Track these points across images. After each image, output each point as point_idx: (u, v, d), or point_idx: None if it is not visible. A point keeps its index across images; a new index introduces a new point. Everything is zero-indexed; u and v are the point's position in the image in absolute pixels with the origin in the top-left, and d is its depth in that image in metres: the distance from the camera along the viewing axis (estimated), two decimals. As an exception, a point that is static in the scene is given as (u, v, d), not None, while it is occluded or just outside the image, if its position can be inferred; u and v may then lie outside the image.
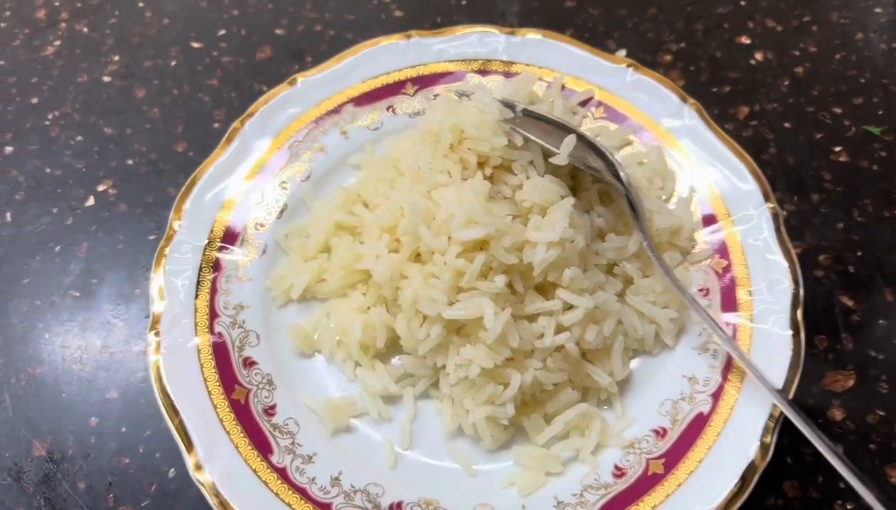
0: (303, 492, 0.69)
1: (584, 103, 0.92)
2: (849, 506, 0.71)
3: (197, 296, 0.78)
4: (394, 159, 0.84)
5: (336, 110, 0.92)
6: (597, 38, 1.07)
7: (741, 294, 0.78)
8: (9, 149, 0.99)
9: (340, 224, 0.83)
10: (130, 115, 1.02)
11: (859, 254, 0.86)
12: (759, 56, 1.05)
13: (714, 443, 0.70)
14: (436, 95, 0.93)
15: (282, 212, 0.86)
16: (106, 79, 1.06)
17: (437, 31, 0.96)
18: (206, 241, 0.82)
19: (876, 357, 0.80)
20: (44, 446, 0.76)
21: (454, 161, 0.77)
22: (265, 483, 0.69)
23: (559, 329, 0.72)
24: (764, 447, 0.68)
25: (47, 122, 1.02)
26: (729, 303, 0.78)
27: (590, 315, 0.73)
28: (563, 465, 0.72)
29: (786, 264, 0.78)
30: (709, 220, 0.83)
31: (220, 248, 0.82)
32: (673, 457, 0.70)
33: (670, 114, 0.89)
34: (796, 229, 0.88)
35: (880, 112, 0.98)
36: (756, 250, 0.79)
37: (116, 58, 1.08)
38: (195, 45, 1.09)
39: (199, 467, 0.68)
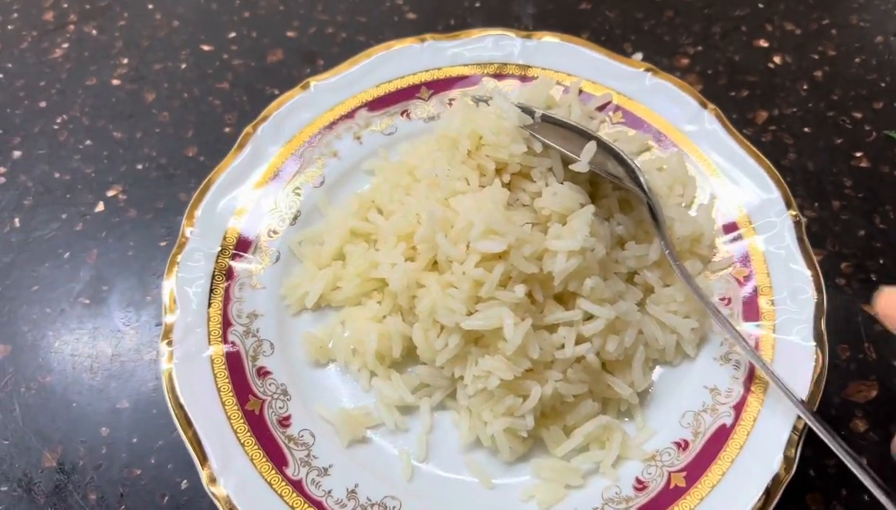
0: (319, 506, 0.69)
1: (601, 108, 0.91)
2: None
3: (210, 304, 0.78)
4: (409, 165, 0.83)
5: (350, 115, 0.91)
6: (613, 40, 1.07)
7: (763, 303, 0.77)
8: (17, 153, 0.99)
9: (355, 231, 0.83)
10: (140, 119, 1.01)
11: (881, 261, 0.86)
12: (777, 59, 1.05)
13: (737, 456, 0.69)
14: (451, 100, 0.93)
15: (295, 218, 0.85)
16: (115, 82, 1.06)
17: (451, 35, 0.96)
18: (219, 249, 0.81)
19: (900, 367, 0.79)
20: (54, 457, 0.76)
21: (472, 168, 0.76)
22: (280, 496, 0.69)
23: (580, 339, 0.72)
24: (788, 460, 0.67)
25: (56, 126, 1.01)
26: (751, 313, 0.77)
27: (610, 325, 0.72)
28: (584, 478, 0.71)
29: (809, 273, 0.77)
30: (730, 227, 0.83)
31: (234, 256, 0.81)
32: (695, 471, 0.70)
33: (690, 119, 0.88)
34: (817, 236, 0.87)
35: (901, 116, 0.98)
36: (778, 259, 0.79)
37: (125, 60, 1.08)
38: (205, 47, 1.09)
39: (213, 480, 0.68)
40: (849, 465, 0.62)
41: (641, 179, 0.78)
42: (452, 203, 0.74)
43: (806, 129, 0.97)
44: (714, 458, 0.70)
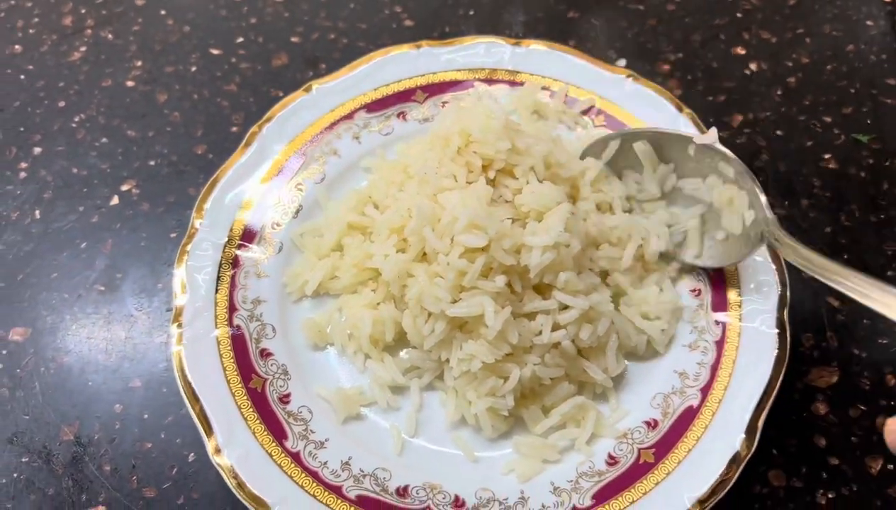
0: (315, 475, 0.72)
1: (585, 112, 0.95)
2: (830, 495, 0.74)
3: (217, 290, 0.82)
4: (403, 164, 0.87)
5: (349, 116, 0.95)
6: (598, 47, 1.10)
7: (731, 295, 0.81)
8: (37, 149, 1.02)
9: (352, 224, 0.86)
10: (152, 119, 1.05)
11: (846, 256, 0.89)
12: (753, 66, 1.08)
13: (702, 435, 0.73)
14: (444, 102, 0.96)
15: (297, 212, 0.89)
16: (129, 84, 1.09)
17: (446, 42, 0.99)
18: (226, 239, 0.85)
19: (859, 355, 0.83)
20: (71, 431, 0.80)
21: (460, 165, 0.80)
22: (280, 466, 0.72)
23: (556, 327, 0.75)
24: (749, 439, 0.71)
25: (74, 125, 1.05)
26: (719, 304, 0.81)
27: (584, 315, 0.76)
28: (560, 454, 0.75)
29: (774, 267, 0.81)
30: None
31: (239, 246, 0.85)
32: (663, 448, 0.73)
33: (666, 122, 0.91)
34: (786, 233, 0.91)
35: (869, 121, 1.01)
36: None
37: (139, 63, 1.11)
38: (214, 51, 1.12)
39: (218, 451, 0.71)
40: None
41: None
42: (440, 199, 0.78)
43: (778, 132, 1.00)
44: (681, 437, 0.74)
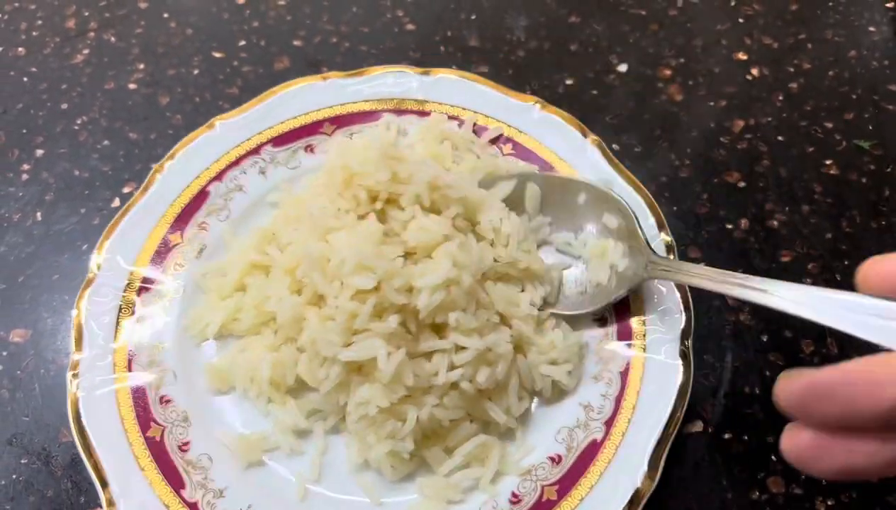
0: None
1: (494, 140, 0.94)
2: (829, 502, 0.74)
3: (115, 337, 0.80)
4: (302, 199, 0.86)
5: (255, 151, 0.93)
6: (600, 52, 1.11)
7: (635, 324, 0.80)
8: (39, 152, 1.03)
9: (255, 263, 0.84)
10: (155, 121, 1.05)
11: (846, 262, 0.90)
12: (755, 71, 1.08)
13: (605, 470, 0.72)
14: (352, 134, 0.95)
15: (200, 251, 0.87)
16: (132, 86, 1.10)
17: (353, 73, 0.98)
18: (126, 283, 0.83)
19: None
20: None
21: (347, 199, 0.79)
22: None
23: (452, 367, 0.74)
24: (651, 473, 0.71)
25: (76, 127, 1.05)
26: (624, 333, 0.80)
27: (481, 356, 0.74)
28: (464, 494, 0.73)
29: (677, 295, 0.80)
30: None
31: (140, 290, 0.83)
32: (566, 484, 0.73)
33: (573, 149, 0.91)
34: (787, 238, 0.91)
35: (870, 127, 1.01)
36: (650, 281, 0.80)
37: (142, 66, 1.12)
38: (217, 54, 1.13)
39: (111, 504, 0.71)
40: None
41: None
42: (330, 239, 0.76)
43: (780, 138, 1.01)
44: (584, 472, 0.73)
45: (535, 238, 0.85)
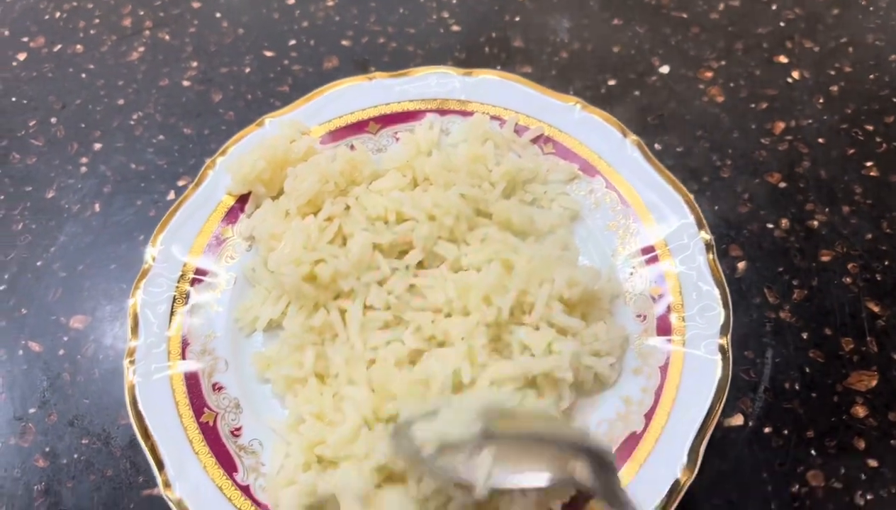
0: (264, 509, 0.74)
1: (535, 140, 0.96)
2: (869, 496, 0.75)
3: (170, 326, 0.83)
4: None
5: None
6: (642, 54, 1.12)
7: (674, 319, 0.82)
8: (97, 145, 1.06)
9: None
10: (208, 117, 1.08)
11: (886, 263, 0.90)
12: (795, 74, 1.09)
13: (644, 462, 0.74)
14: (397, 134, 0.97)
15: (251, 245, 0.90)
16: (185, 83, 1.12)
17: (398, 74, 1.00)
18: (180, 274, 0.86)
19: (899, 360, 0.83)
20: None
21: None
22: (230, 499, 0.73)
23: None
24: (690, 465, 0.72)
25: (132, 122, 1.08)
26: (663, 328, 0.82)
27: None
28: None
29: (717, 292, 0.81)
30: (647, 249, 0.86)
31: (193, 281, 0.86)
32: None
33: (613, 148, 0.93)
34: (826, 238, 0.92)
35: (911, 130, 1.02)
36: (689, 278, 0.83)
37: (195, 64, 1.15)
38: (268, 53, 1.15)
39: (168, 485, 0.73)
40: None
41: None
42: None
43: (820, 140, 1.01)
44: (624, 463, 0.74)
45: None
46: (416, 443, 0.66)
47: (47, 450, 0.82)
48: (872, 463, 0.78)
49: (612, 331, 0.81)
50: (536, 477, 0.64)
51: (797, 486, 0.76)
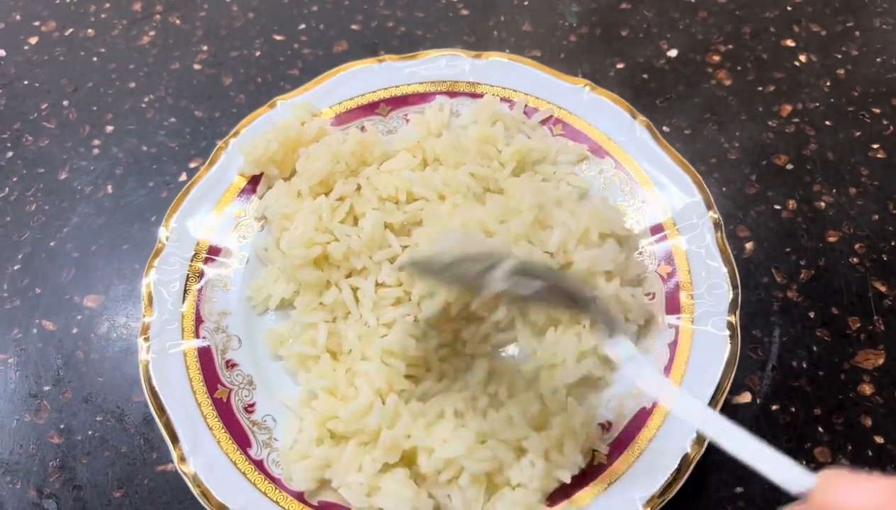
0: (278, 482, 0.74)
1: (544, 122, 0.96)
2: (875, 472, 0.75)
3: (183, 303, 0.83)
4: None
5: None
6: (650, 38, 1.13)
7: (684, 297, 0.82)
8: (109, 128, 1.07)
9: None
10: (219, 100, 1.08)
11: (893, 243, 0.91)
12: (802, 58, 1.10)
13: (654, 436, 0.74)
14: (407, 116, 0.98)
15: (263, 225, 0.90)
16: (196, 67, 1.13)
17: (408, 56, 1.01)
18: (193, 253, 0.86)
19: (906, 338, 0.84)
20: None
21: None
22: (244, 474, 0.74)
23: None
24: (700, 439, 0.72)
25: (143, 105, 1.09)
26: (672, 306, 0.82)
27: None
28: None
29: (725, 270, 0.81)
30: (656, 229, 0.87)
31: (206, 260, 0.87)
32: (616, 450, 0.75)
33: (622, 130, 0.93)
34: (834, 219, 0.93)
35: (917, 113, 1.03)
36: (698, 257, 0.83)
37: (205, 48, 1.16)
38: (277, 37, 1.16)
39: (183, 460, 0.74)
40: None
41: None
42: None
43: (827, 123, 1.02)
44: (633, 438, 0.75)
45: None
46: (433, 256, 0.68)
47: (62, 426, 0.83)
48: (879, 439, 0.79)
49: (638, 297, 0.82)
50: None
51: (804, 463, 0.77)
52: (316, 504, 0.74)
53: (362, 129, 0.96)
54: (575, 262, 0.81)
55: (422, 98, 0.99)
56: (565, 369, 0.77)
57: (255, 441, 0.77)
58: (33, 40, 1.19)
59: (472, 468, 0.71)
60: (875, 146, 1.00)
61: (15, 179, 1.03)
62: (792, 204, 0.95)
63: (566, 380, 0.76)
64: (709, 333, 0.79)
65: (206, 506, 0.71)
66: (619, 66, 1.10)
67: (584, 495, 0.73)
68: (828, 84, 1.06)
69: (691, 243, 0.84)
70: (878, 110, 1.03)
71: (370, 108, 0.98)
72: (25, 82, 1.13)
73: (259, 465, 0.75)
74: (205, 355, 0.81)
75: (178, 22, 1.20)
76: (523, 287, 0.65)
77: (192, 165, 1.02)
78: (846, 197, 0.95)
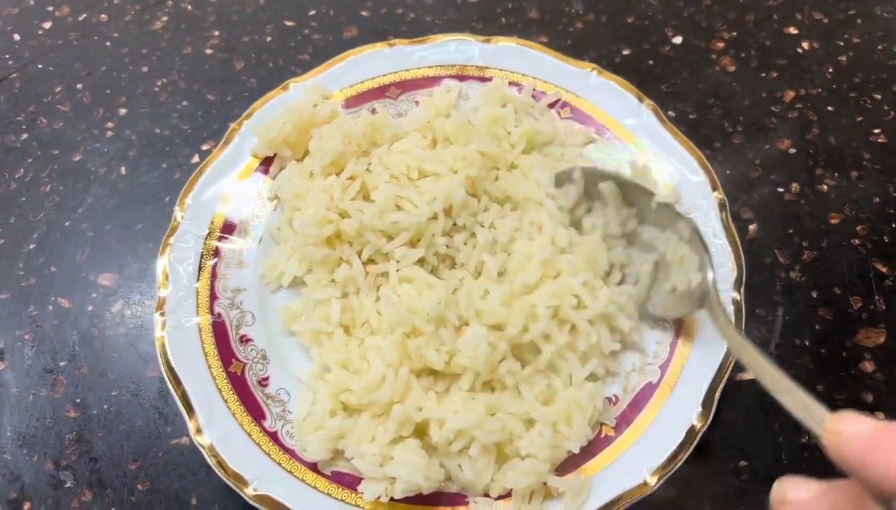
0: (292, 453, 0.76)
1: (552, 105, 0.98)
2: None
3: (198, 280, 0.85)
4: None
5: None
6: (655, 25, 1.14)
7: None
8: (123, 111, 1.08)
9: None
10: (230, 84, 1.10)
11: (894, 225, 0.93)
12: (805, 45, 1.11)
13: (661, 409, 0.76)
14: (417, 100, 0.99)
15: (276, 205, 0.91)
16: (208, 51, 1.15)
17: (417, 40, 1.02)
18: (207, 232, 0.88)
19: (906, 317, 0.85)
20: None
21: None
22: (258, 445, 0.76)
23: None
24: (705, 412, 0.74)
25: (156, 89, 1.10)
26: None
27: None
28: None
29: (730, 248, 0.83)
30: None
31: (220, 238, 0.88)
32: (623, 422, 0.77)
33: (629, 113, 0.94)
34: (836, 202, 0.95)
35: (918, 99, 1.04)
36: (704, 236, 0.82)
37: (217, 33, 1.17)
38: (288, 23, 1.17)
39: (199, 431, 0.75)
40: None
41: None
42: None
43: (829, 108, 1.04)
44: (640, 411, 0.77)
45: (624, 227, 0.85)
46: None
47: (78, 401, 0.85)
48: (880, 415, 0.80)
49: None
50: None
51: (807, 437, 0.79)
52: (329, 474, 0.75)
53: (373, 111, 0.97)
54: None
55: (431, 81, 1.00)
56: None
57: (270, 413, 0.79)
58: (47, 25, 1.20)
59: (482, 438, 0.72)
60: (876, 131, 1.01)
61: (30, 161, 1.04)
62: (795, 187, 0.97)
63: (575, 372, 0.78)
64: None
65: (221, 476, 0.73)
66: (625, 52, 1.11)
67: (592, 465, 0.74)
68: (830, 70, 1.08)
69: (697, 222, 0.85)
70: (879, 96, 1.05)
71: (380, 92, 0.99)
72: (40, 66, 1.15)
73: (273, 437, 0.77)
74: (219, 330, 0.83)
75: (190, 7, 1.21)
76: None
77: (204, 148, 1.03)
78: (848, 180, 0.97)
